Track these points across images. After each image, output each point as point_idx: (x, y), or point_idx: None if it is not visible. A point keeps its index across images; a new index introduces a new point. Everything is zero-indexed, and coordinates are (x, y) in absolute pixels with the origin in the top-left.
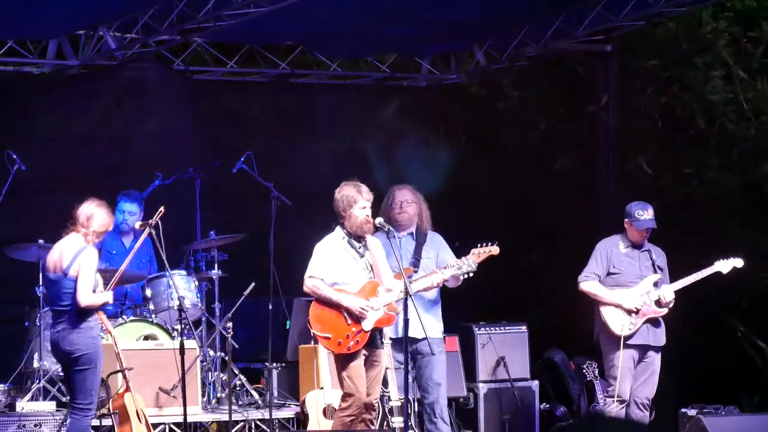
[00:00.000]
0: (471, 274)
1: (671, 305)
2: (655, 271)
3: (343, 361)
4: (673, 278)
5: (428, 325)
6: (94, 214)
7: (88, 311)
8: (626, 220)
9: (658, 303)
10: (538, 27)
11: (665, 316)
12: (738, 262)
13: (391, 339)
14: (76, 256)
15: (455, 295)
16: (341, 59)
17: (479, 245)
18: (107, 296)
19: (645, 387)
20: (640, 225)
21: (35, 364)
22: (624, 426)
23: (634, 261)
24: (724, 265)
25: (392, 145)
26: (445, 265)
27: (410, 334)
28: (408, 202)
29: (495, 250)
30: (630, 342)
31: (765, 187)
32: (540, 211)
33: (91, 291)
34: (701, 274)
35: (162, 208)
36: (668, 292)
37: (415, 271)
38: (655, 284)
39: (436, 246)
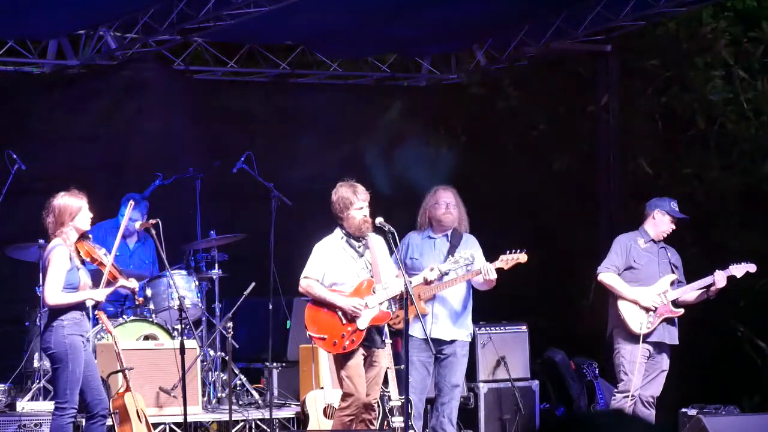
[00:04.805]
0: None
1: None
2: (672, 271)
3: (341, 360)
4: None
5: (454, 328)
6: (60, 209)
7: (61, 310)
8: (656, 211)
9: (675, 303)
10: (538, 27)
11: (680, 317)
12: (751, 267)
13: (411, 336)
14: (48, 254)
15: None
16: (341, 59)
17: (507, 252)
18: (85, 295)
19: (651, 385)
20: (677, 214)
21: (35, 364)
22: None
23: (654, 257)
24: (738, 270)
25: (392, 145)
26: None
27: (436, 335)
28: (454, 204)
29: (523, 257)
30: (648, 339)
31: (765, 187)
32: (540, 211)
33: (58, 290)
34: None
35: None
36: (722, 279)
37: (446, 273)
38: (672, 284)
39: (469, 248)
